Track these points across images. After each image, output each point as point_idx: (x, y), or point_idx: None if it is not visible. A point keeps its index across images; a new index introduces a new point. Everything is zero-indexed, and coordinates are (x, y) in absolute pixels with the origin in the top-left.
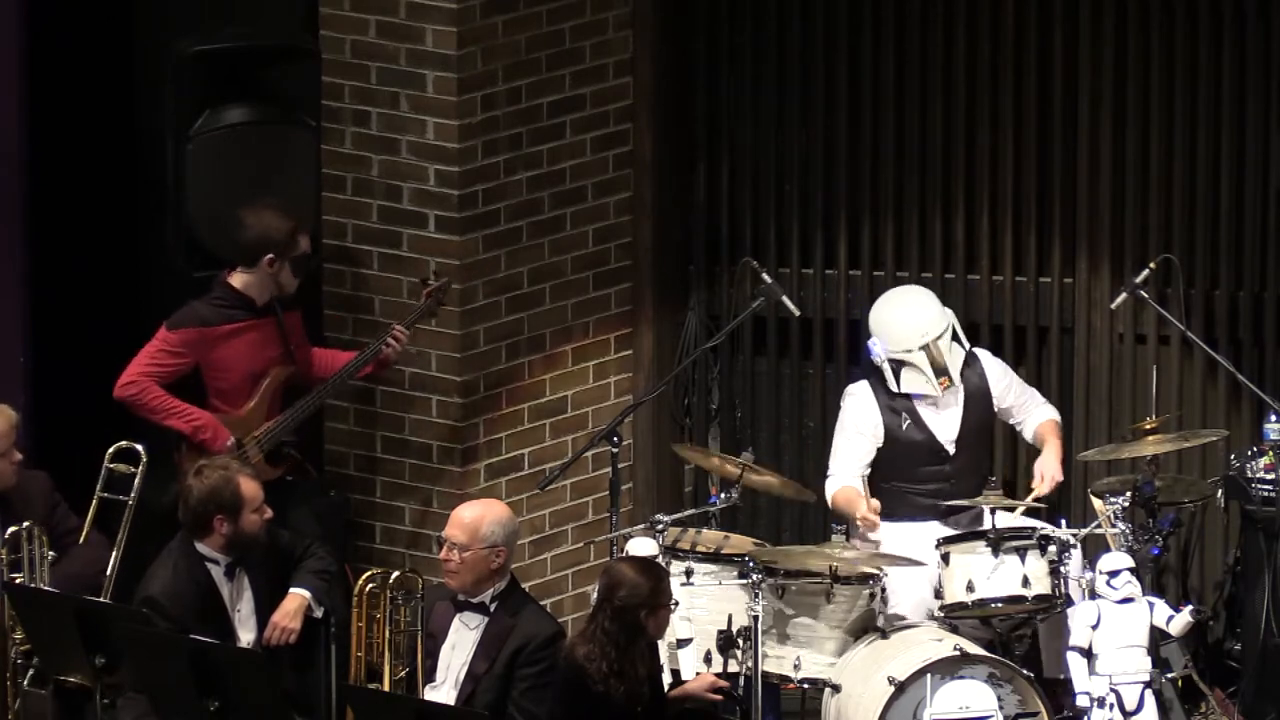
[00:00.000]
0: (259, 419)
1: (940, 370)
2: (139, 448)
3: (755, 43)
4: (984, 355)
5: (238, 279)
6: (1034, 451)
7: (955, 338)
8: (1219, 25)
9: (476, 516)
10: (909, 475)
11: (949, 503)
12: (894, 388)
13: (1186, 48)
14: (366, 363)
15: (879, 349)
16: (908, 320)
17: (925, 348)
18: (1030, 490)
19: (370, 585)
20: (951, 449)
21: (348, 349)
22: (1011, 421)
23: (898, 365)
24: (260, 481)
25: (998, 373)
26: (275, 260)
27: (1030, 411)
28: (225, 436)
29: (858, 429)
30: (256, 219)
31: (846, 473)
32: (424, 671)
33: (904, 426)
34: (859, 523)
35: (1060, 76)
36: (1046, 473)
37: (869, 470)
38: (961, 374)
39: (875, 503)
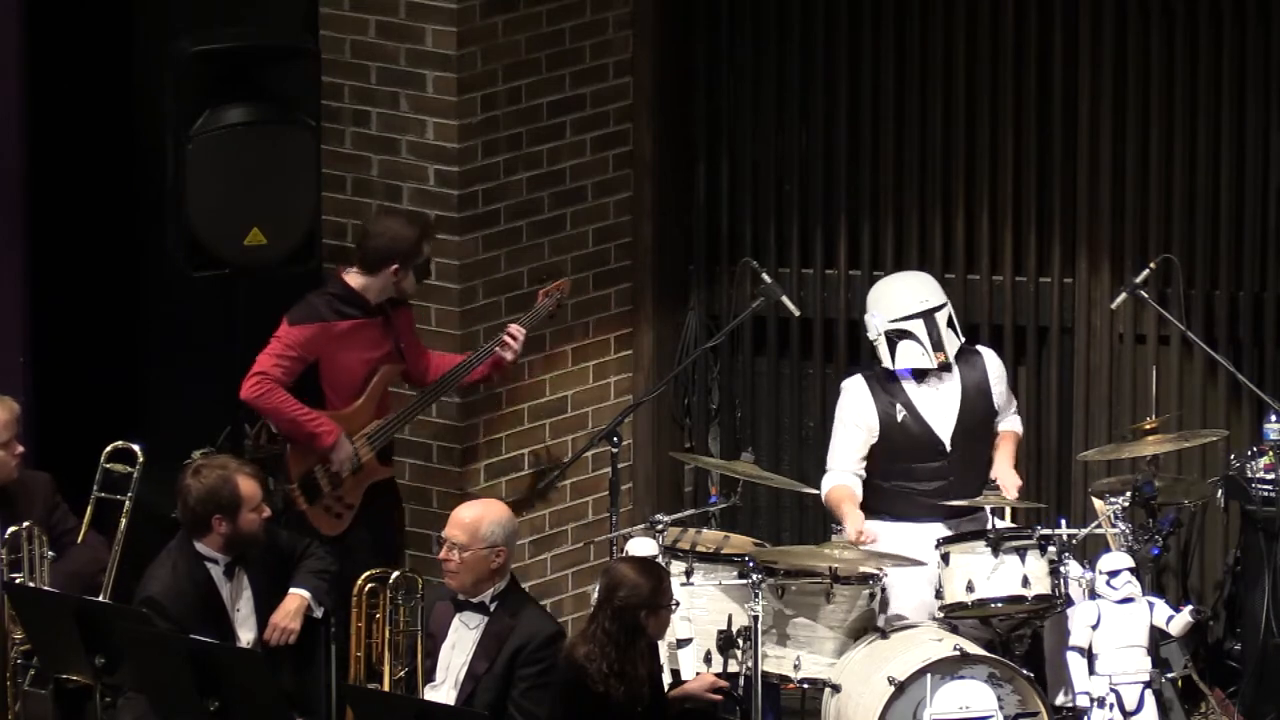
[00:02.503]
0: (367, 417)
1: (936, 344)
2: (135, 447)
3: (755, 43)
4: (987, 353)
5: (354, 279)
6: (1033, 453)
7: (951, 324)
8: (1219, 25)
9: (476, 516)
10: (908, 473)
11: (950, 503)
12: (889, 364)
13: (1186, 48)
14: (479, 363)
15: (876, 321)
16: (908, 288)
17: (924, 315)
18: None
19: (370, 585)
20: (948, 444)
21: None
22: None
23: (894, 338)
24: (260, 481)
25: (999, 373)
26: (400, 269)
27: (1006, 416)
28: (342, 444)
29: (854, 421)
30: (383, 226)
31: (843, 467)
32: (424, 671)
33: (899, 418)
34: (850, 537)
35: (1060, 77)
36: (1008, 484)
37: (865, 463)
38: (958, 365)
39: (867, 529)
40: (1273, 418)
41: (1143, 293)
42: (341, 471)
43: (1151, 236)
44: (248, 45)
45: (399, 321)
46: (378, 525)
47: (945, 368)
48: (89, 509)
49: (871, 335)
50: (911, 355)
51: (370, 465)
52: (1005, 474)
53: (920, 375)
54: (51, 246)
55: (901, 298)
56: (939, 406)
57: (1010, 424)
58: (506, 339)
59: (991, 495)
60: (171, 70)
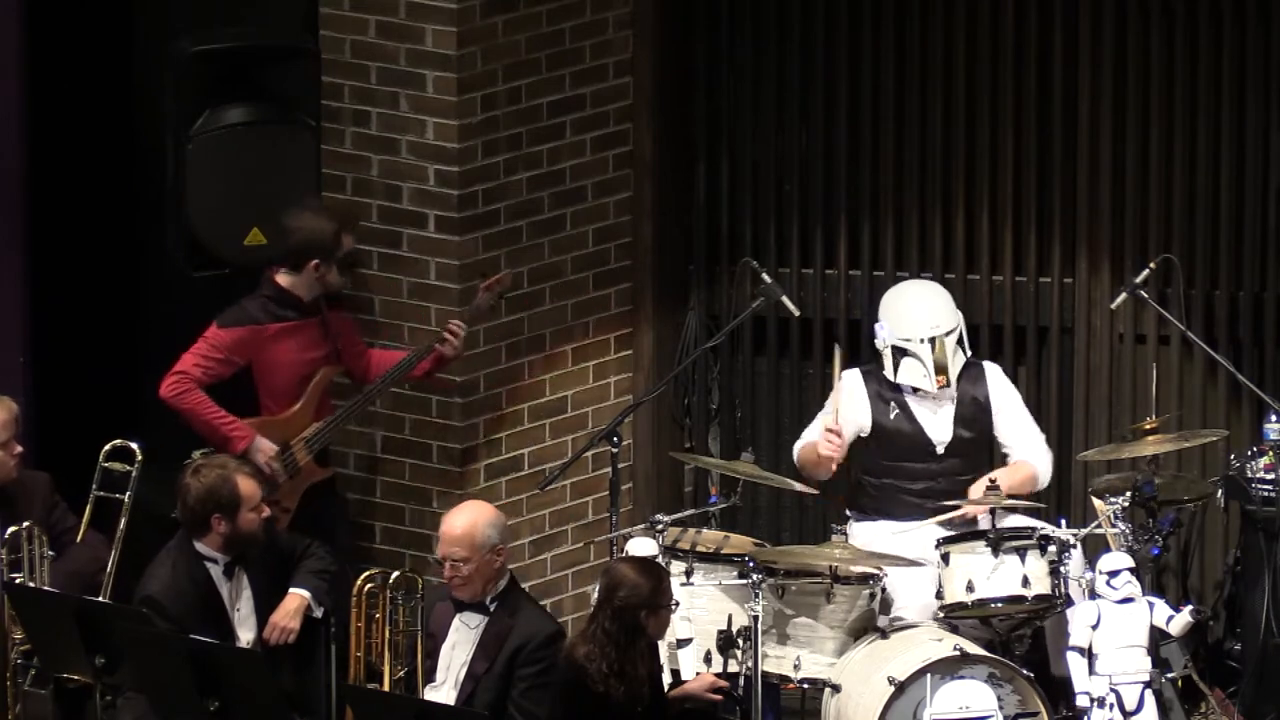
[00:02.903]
0: (306, 420)
1: (940, 368)
2: (134, 446)
3: (755, 43)
4: (993, 370)
5: (284, 278)
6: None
7: (960, 341)
8: (1219, 25)
9: (469, 526)
10: (898, 471)
11: (940, 504)
12: (890, 375)
13: (1186, 48)
14: (420, 360)
15: (884, 333)
16: (921, 310)
17: (931, 340)
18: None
19: (370, 585)
20: (940, 447)
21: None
22: (1001, 449)
23: (899, 353)
24: (259, 481)
25: (1001, 390)
26: (320, 264)
27: (1020, 448)
28: (256, 449)
29: (844, 414)
30: (300, 223)
31: (812, 436)
32: (424, 671)
33: (891, 416)
34: (821, 445)
35: (1060, 77)
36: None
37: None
38: (959, 380)
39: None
40: (1273, 418)
41: (1143, 293)
42: (277, 477)
43: (1151, 236)
44: (248, 45)
45: (336, 322)
46: (316, 528)
47: (972, 369)
48: (88, 508)
49: (879, 344)
50: (913, 375)
51: (308, 468)
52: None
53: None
54: (51, 246)
55: (914, 318)
56: (934, 411)
57: (1031, 459)
58: (447, 334)
59: (991, 496)
60: (171, 70)
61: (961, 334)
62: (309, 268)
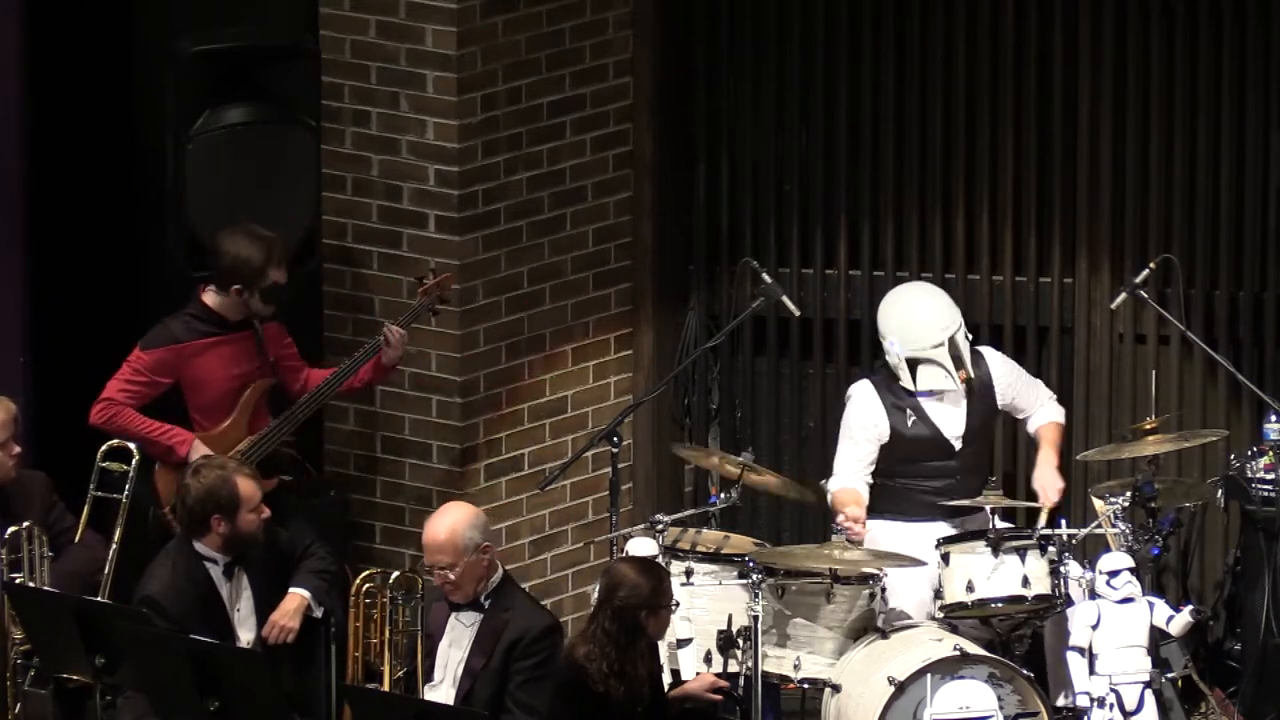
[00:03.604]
0: (239, 434)
1: (959, 364)
2: (132, 446)
3: (755, 43)
4: (988, 352)
5: (210, 297)
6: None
7: (966, 336)
8: (1219, 25)
9: (449, 531)
10: (915, 472)
11: (952, 503)
12: (911, 386)
13: (1186, 48)
14: (359, 366)
15: (896, 349)
16: (928, 317)
17: (947, 343)
18: (1036, 507)
19: (369, 585)
20: (958, 445)
21: (348, 349)
22: (1019, 416)
23: (914, 363)
24: (258, 482)
25: (1001, 370)
26: (243, 290)
27: (1037, 408)
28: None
29: (861, 430)
30: (231, 244)
31: (850, 474)
32: (422, 671)
33: (910, 423)
34: (841, 522)
35: (1060, 76)
36: (1048, 487)
37: (873, 469)
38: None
39: (858, 514)
40: (1273, 418)
41: (1143, 293)
42: None
43: (1151, 236)
44: (248, 45)
45: (269, 335)
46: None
47: (967, 381)
48: (86, 508)
49: (890, 360)
50: (934, 379)
51: None
52: (1046, 477)
53: None
54: (51, 246)
55: (925, 326)
56: (947, 409)
57: (1050, 413)
58: (384, 341)
59: (991, 495)
60: (171, 70)
61: (962, 324)
62: (232, 291)
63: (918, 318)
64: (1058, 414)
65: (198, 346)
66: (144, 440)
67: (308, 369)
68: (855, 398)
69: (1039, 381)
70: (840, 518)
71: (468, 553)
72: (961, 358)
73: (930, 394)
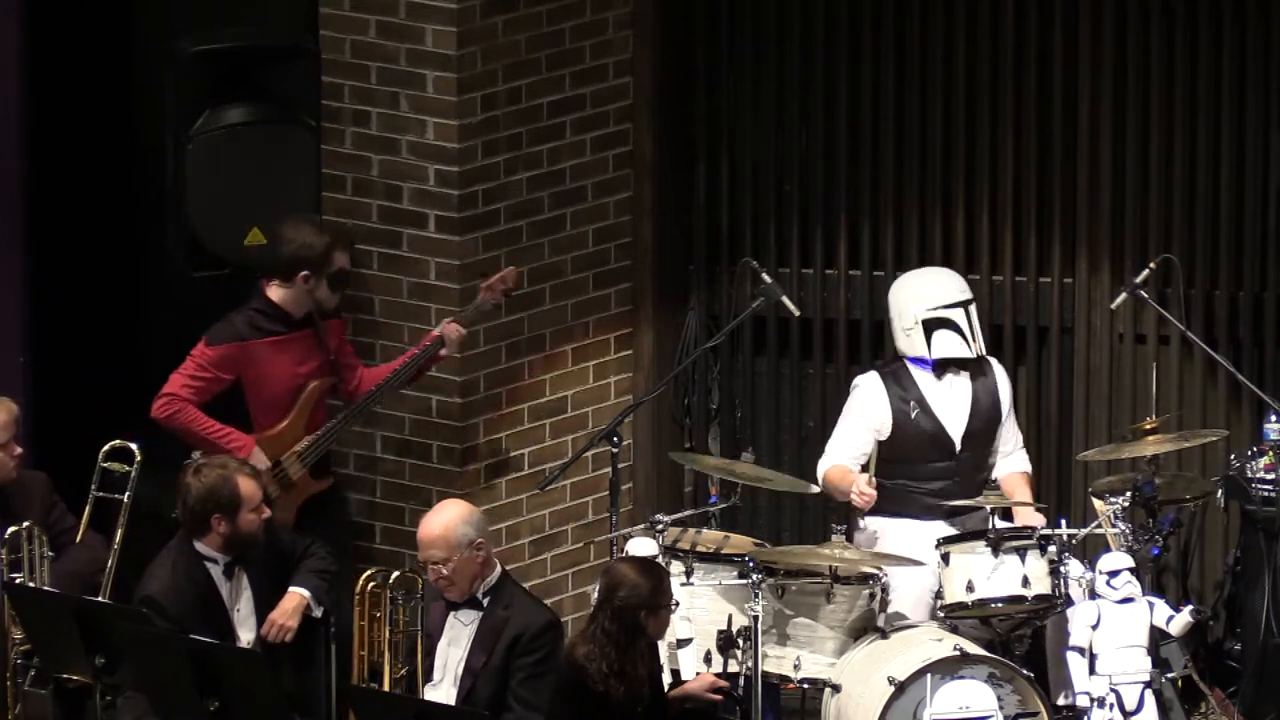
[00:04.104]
0: (297, 434)
1: (974, 334)
2: (133, 446)
3: (755, 43)
4: (997, 366)
5: (275, 292)
6: (1034, 454)
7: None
8: (1219, 25)
9: (443, 527)
10: (915, 471)
11: (952, 503)
12: (925, 353)
13: (1186, 48)
14: (419, 365)
15: (914, 309)
16: (946, 279)
17: (963, 305)
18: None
19: (370, 585)
20: (959, 444)
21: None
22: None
23: (932, 327)
24: (259, 482)
25: (1005, 386)
26: (310, 277)
27: (1013, 450)
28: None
29: (862, 418)
30: (295, 233)
31: (841, 456)
32: (422, 671)
33: (913, 415)
34: (854, 497)
35: (1060, 76)
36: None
37: (863, 460)
38: (969, 370)
39: (868, 479)
40: (1273, 418)
41: (1143, 293)
42: (269, 490)
43: (1151, 236)
44: (248, 45)
45: (330, 334)
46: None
47: (979, 362)
48: (87, 508)
49: (907, 324)
50: (950, 344)
51: (303, 481)
52: (1032, 518)
53: (938, 372)
54: (51, 246)
55: (942, 287)
56: (952, 406)
57: (1019, 462)
58: (444, 335)
59: (992, 495)
60: (171, 70)
61: (975, 308)
62: (298, 280)
63: (936, 280)
64: (1027, 464)
65: (261, 345)
66: (202, 441)
67: (362, 367)
68: (861, 387)
69: (1018, 431)
70: (853, 490)
71: (461, 548)
72: (976, 331)
73: (935, 377)
